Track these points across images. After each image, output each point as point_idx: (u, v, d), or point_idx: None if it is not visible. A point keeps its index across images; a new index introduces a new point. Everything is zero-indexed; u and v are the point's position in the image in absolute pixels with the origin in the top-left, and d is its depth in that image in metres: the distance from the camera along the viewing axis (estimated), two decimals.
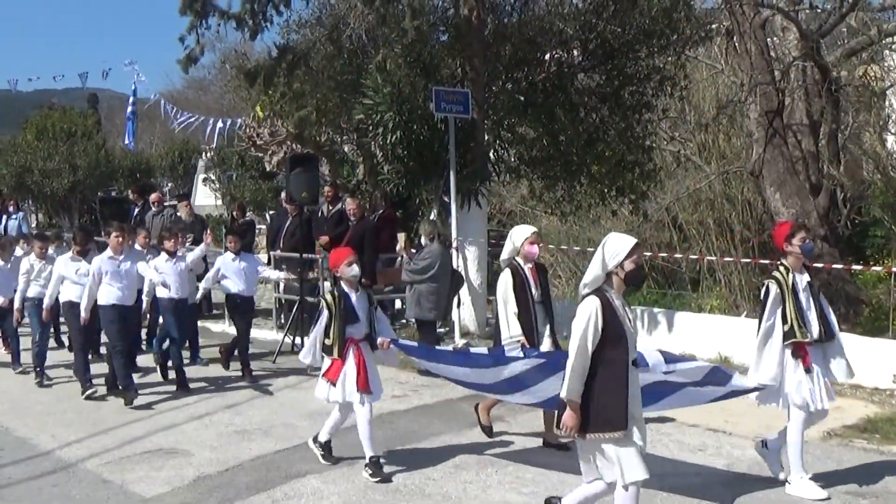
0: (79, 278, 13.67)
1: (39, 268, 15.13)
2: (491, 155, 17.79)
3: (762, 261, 18.33)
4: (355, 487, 9.55)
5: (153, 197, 22.33)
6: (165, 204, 22.30)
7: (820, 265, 15.22)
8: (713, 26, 18.84)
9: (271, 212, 22.62)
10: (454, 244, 16.70)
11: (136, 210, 22.89)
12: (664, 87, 17.78)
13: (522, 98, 17.43)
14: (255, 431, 11.66)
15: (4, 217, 26.94)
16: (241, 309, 14.77)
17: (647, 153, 18.23)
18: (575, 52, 17.93)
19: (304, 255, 17.32)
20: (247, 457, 10.72)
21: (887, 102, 22.22)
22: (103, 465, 10.46)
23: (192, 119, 43.09)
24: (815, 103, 18.37)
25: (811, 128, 18.56)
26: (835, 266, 16.14)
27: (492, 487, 9.45)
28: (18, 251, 16.49)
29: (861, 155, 21.56)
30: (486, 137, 17.52)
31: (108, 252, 13.26)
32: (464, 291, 16.66)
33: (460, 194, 16.66)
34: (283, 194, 20.31)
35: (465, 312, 16.97)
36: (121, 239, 13.43)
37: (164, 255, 14.22)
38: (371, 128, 16.62)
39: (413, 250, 15.16)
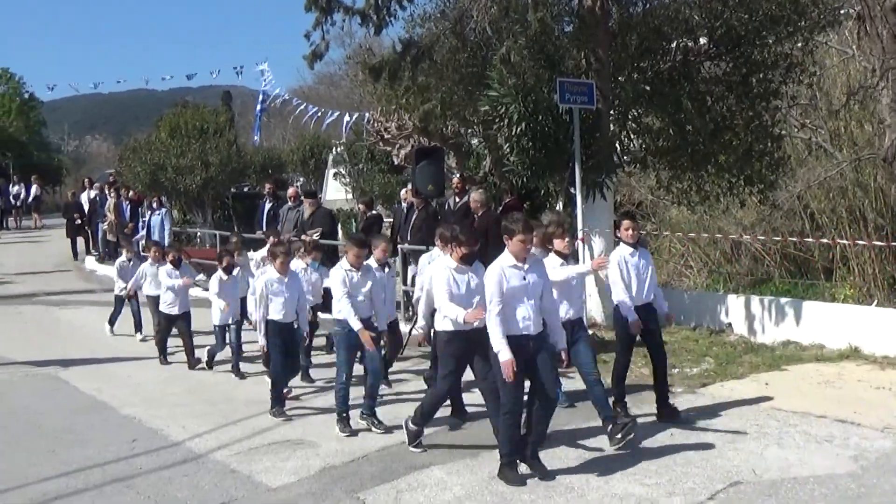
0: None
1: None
2: (616, 146, 17.70)
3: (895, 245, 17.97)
4: (478, 479, 9.67)
5: (290, 192, 22.73)
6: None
7: None
8: (842, 11, 18.45)
9: (395, 206, 22.76)
10: (580, 235, 16.69)
11: (270, 206, 23.32)
12: (792, 74, 17.47)
13: (648, 88, 17.30)
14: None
15: (149, 213, 27.66)
16: None
17: (776, 142, 17.92)
18: (701, 41, 17.72)
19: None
20: (372, 448, 10.90)
21: None
22: (232, 456, 10.76)
23: (320, 112, 43.73)
24: None
25: None
26: None
27: (615, 479, 9.46)
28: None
29: None
30: (612, 128, 17.44)
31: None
32: (590, 282, 16.65)
33: (585, 186, 16.64)
34: (404, 190, 20.41)
35: (591, 304, 16.94)
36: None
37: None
38: (496, 120, 16.67)
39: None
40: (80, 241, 33.50)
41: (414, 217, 18.84)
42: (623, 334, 11.71)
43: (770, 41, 17.06)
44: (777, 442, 10.46)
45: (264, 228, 22.79)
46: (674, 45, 17.51)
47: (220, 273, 15.66)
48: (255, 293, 13.51)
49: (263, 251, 16.34)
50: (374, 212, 21.14)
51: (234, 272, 15.83)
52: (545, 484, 9.45)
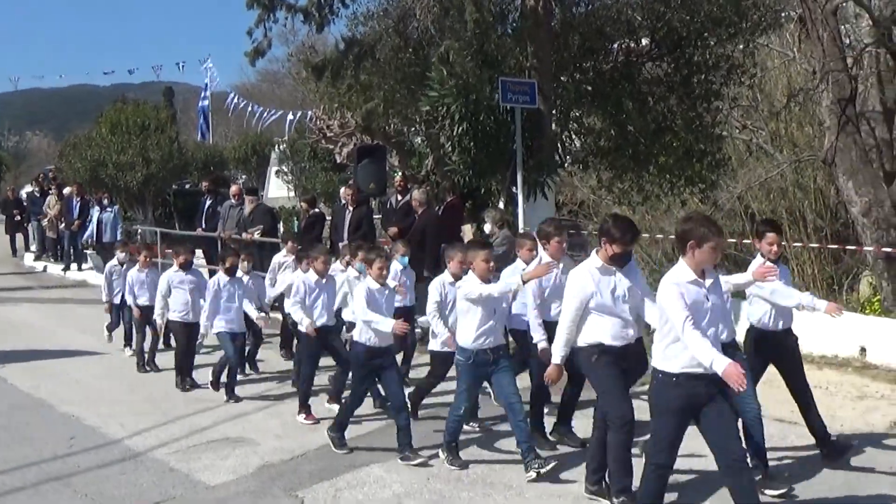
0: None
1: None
2: (558, 145, 17.73)
3: (830, 246, 18.18)
4: (418, 477, 9.64)
5: (233, 190, 22.61)
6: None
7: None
8: (783, 13, 18.62)
9: (336, 204, 22.69)
10: None
11: (209, 202, 23.13)
12: (734, 76, 17.62)
13: (590, 88, 17.36)
14: (321, 421, 11.75)
15: (98, 209, 27.21)
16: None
17: (717, 142, 18.08)
18: (643, 41, 17.82)
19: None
20: (312, 446, 10.86)
21: None
22: (171, 454, 10.66)
23: (264, 111, 43.55)
24: (889, 91, 18.09)
25: (885, 115, 18.27)
26: None
27: (552, 477, 9.45)
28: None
29: None
30: (553, 128, 17.47)
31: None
32: None
33: (527, 185, 16.64)
34: (344, 188, 20.29)
35: None
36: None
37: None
38: (438, 119, 16.64)
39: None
40: (20, 237, 33.17)
41: (349, 216, 18.77)
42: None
43: (712, 43, 17.18)
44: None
45: (203, 226, 22.65)
46: (616, 45, 17.60)
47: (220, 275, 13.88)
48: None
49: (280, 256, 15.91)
50: (316, 210, 21.01)
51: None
52: (484, 482, 9.44)
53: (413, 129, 21.12)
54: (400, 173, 20.75)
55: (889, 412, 11.63)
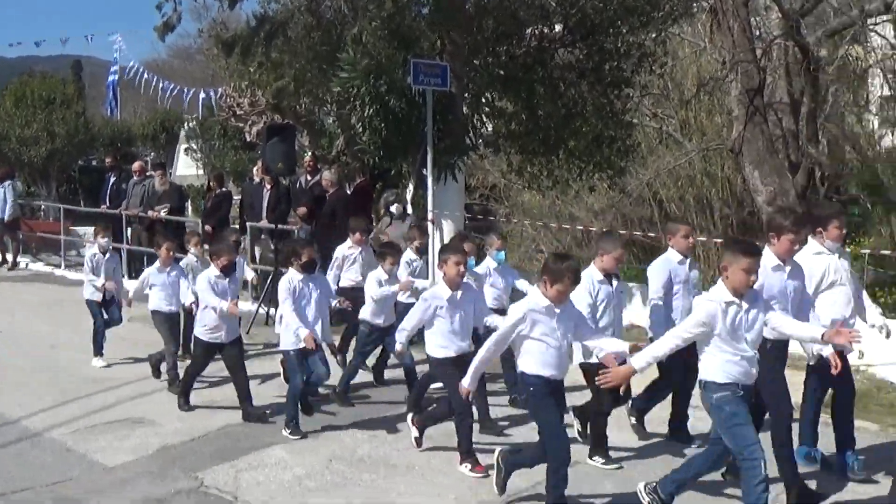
0: None
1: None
2: (469, 129, 17.68)
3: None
4: (319, 459, 9.60)
5: (135, 166, 22.26)
6: (147, 174, 22.13)
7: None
8: (695, 3, 18.77)
9: (246, 182, 22.46)
10: (430, 217, 16.65)
11: (113, 179, 22.78)
12: (645, 64, 17.68)
13: (502, 72, 17.31)
14: (224, 402, 11.64)
15: None
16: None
17: (626, 129, 18.16)
18: (556, 27, 17.81)
19: (280, 226, 17.34)
20: (213, 427, 10.76)
21: (869, 83, 22.21)
22: (69, 434, 10.48)
23: (174, 87, 42.96)
24: (796, 82, 18.35)
25: (791, 107, 18.58)
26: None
27: (456, 458, 9.45)
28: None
29: (840, 134, 21.55)
30: (465, 111, 17.42)
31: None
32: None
33: (437, 167, 16.58)
34: (256, 167, 20.13)
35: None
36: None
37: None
38: (349, 99, 16.51)
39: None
40: None
41: (267, 195, 18.62)
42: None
43: (624, 30, 17.21)
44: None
45: (108, 203, 22.28)
46: (529, 30, 17.56)
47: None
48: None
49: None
50: (223, 189, 20.79)
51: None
52: (386, 464, 9.42)
53: (324, 109, 20.98)
54: (310, 153, 20.62)
55: None
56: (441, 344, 9.51)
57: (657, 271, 10.05)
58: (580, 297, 9.08)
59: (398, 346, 10.18)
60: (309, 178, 19.05)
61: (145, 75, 46.41)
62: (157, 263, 13.29)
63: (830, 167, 20.08)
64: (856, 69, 21.48)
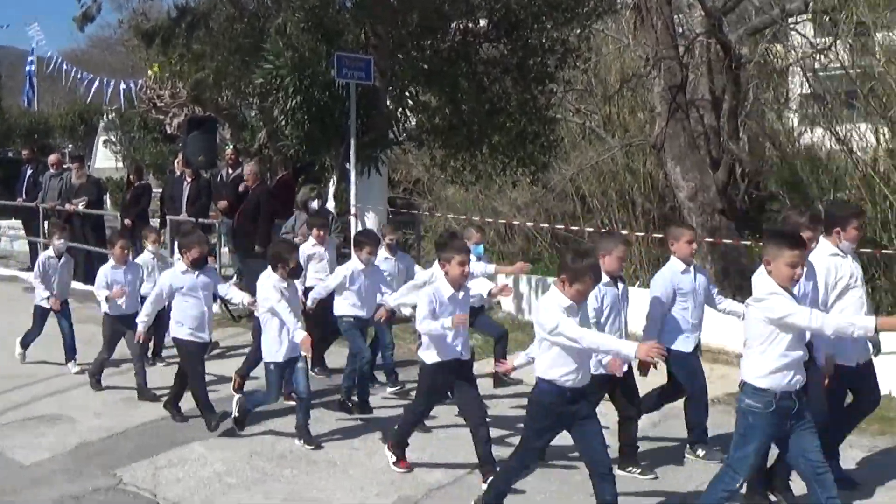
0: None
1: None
2: (393, 122, 17.63)
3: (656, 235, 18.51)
4: (239, 455, 9.50)
5: (52, 159, 21.83)
6: (65, 166, 21.77)
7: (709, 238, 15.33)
8: (619, 0, 18.87)
9: (167, 174, 22.21)
10: (353, 210, 16.58)
11: (30, 171, 22.38)
12: (569, 60, 17.73)
13: (426, 66, 17.27)
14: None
15: None
16: None
17: (550, 125, 18.20)
18: (481, 22, 17.81)
19: (201, 220, 17.14)
20: (132, 424, 10.60)
21: (789, 80, 22.49)
22: None
23: (94, 79, 42.36)
24: (718, 80, 18.54)
25: (713, 103, 18.78)
26: (738, 241, 16.33)
27: (377, 454, 9.40)
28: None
29: (760, 131, 21.82)
30: (389, 105, 17.36)
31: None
32: None
33: (360, 161, 16.50)
34: (177, 160, 19.89)
35: None
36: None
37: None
38: (272, 92, 16.37)
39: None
40: None
41: (188, 188, 18.40)
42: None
43: (548, 26, 17.25)
44: None
45: (24, 196, 21.90)
46: (454, 25, 17.53)
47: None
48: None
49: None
50: (143, 182, 20.51)
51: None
52: (308, 459, 9.34)
53: (246, 101, 20.79)
54: (231, 146, 20.42)
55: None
56: (436, 348, 8.86)
57: (658, 284, 9.47)
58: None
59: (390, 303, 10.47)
60: (230, 171, 18.85)
61: (64, 66, 45.69)
62: (110, 262, 12.40)
63: (751, 163, 20.31)
64: (776, 67, 21.73)
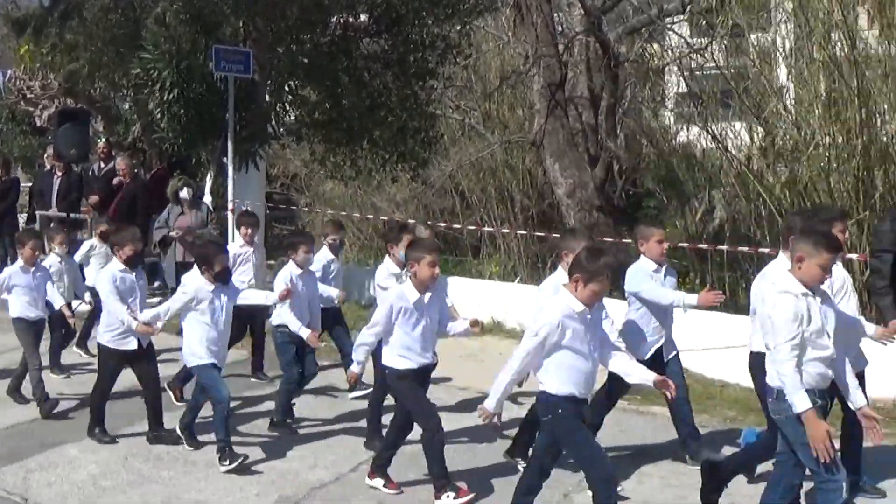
0: None
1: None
2: (272, 117, 17.43)
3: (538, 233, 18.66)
4: (116, 456, 9.25)
5: None
6: None
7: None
8: None
9: (37, 168, 21.65)
10: (230, 206, 16.34)
11: None
12: (449, 56, 17.72)
13: (306, 60, 17.10)
14: (9, 399, 11.10)
15: None
16: None
17: (430, 120, 18.17)
18: (361, 17, 17.70)
19: (72, 216, 16.74)
20: (1, 426, 10.23)
21: (666, 79, 22.80)
22: None
23: None
24: (597, 78, 18.71)
25: (591, 101, 18.96)
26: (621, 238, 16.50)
27: (255, 452, 9.27)
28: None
29: (637, 129, 22.11)
30: (268, 99, 17.16)
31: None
32: None
33: (238, 156, 16.27)
34: (48, 154, 19.41)
35: None
36: None
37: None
38: (148, 84, 16.03)
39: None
40: None
41: (59, 183, 17.95)
42: None
43: (429, 22, 17.21)
44: None
45: None
46: (334, 19, 17.39)
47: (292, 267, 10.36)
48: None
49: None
50: (11, 175, 19.94)
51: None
52: (186, 460, 9.14)
53: (120, 93, 20.37)
54: (104, 139, 19.99)
55: None
56: (401, 354, 8.27)
57: (634, 277, 8.88)
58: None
59: (355, 368, 8.65)
60: (102, 165, 18.46)
61: None
62: (19, 262, 11.37)
63: (628, 161, 20.56)
64: (653, 66, 22.01)
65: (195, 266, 9.60)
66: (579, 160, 17.75)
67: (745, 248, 14.69)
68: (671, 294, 8.71)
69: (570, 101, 18.57)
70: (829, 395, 6.68)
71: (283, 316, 10.07)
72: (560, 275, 8.40)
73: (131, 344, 9.66)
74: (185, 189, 15.00)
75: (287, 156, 24.75)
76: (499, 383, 7.11)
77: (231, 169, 16.24)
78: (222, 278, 9.43)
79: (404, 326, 8.21)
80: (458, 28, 17.75)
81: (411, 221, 17.27)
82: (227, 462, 8.86)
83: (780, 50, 17.86)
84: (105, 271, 9.95)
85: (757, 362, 7.58)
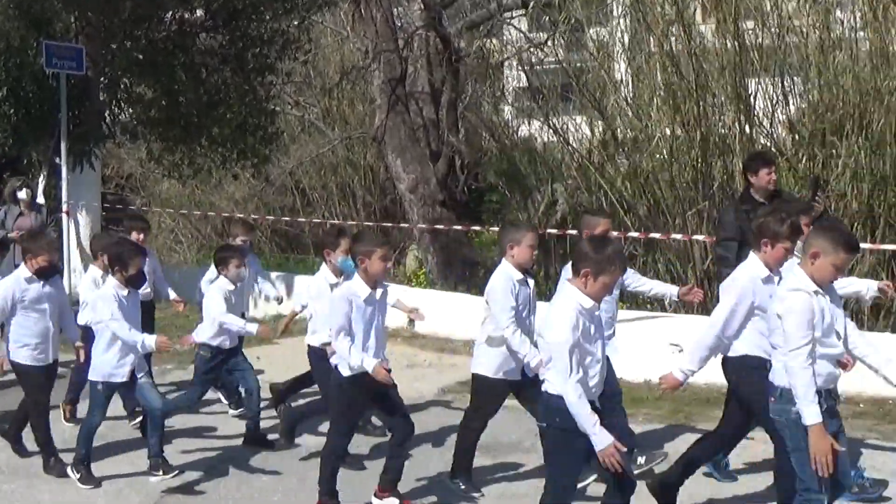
0: None
1: None
2: (106, 115, 17.02)
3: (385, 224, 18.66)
4: None
5: None
6: None
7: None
8: None
9: None
10: (65, 208, 15.90)
11: None
12: (288, 51, 17.56)
13: (141, 56, 16.74)
14: None
15: None
16: None
17: (270, 117, 17.98)
18: (198, 12, 17.43)
19: None
20: None
21: (506, 74, 22.98)
22: None
23: None
24: (437, 73, 18.76)
25: (432, 96, 19.00)
26: (455, 228, 16.61)
27: (110, 464, 8.97)
28: None
29: (479, 123, 22.24)
30: (102, 96, 16.75)
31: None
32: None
33: (72, 155, 15.84)
34: None
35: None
36: None
37: None
38: None
39: None
40: None
41: None
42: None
43: (267, 17, 17.08)
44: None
45: None
46: (169, 14, 17.08)
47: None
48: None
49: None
50: None
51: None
52: (27, 472, 8.78)
53: None
54: None
55: (436, 379, 12.03)
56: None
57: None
58: (502, 303, 7.84)
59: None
60: None
61: None
62: None
63: (470, 155, 20.65)
64: (493, 61, 22.16)
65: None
66: (421, 155, 17.80)
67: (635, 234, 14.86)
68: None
69: (411, 96, 18.59)
70: (835, 395, 6.32)
71: (206, 331, 9.61)
72: (506, 267, 8.01)
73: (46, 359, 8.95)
74: (24, 190, 14.41)
75: (122, 155, 24.23)
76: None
77: (65, 169, 15.82)
78: (135, 283, 8.70)
79: (355, 327, 7.66)
80: (297, 23, 17.62)
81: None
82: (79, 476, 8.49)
83: (619, 44, 18.17)
84: (8, 280, 9.02)
85: (737, 367, 7.28)
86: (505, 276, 7.93)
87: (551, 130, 18.50)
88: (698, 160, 14.94)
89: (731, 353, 7.22)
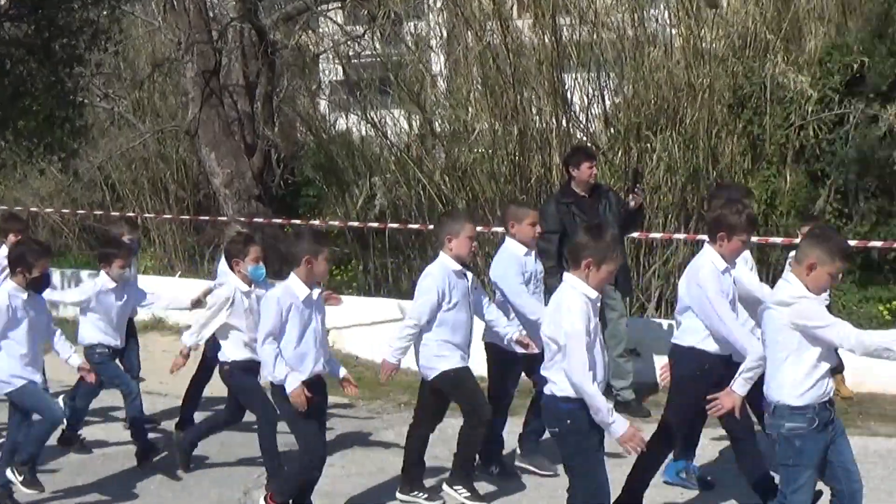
0: None
1: None
2: None
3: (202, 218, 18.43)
4: None
5: None
6: None
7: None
8: None
9: None
10: None
11: None
12: (98, 42, 17.10)
13: None
14: None
15: None
16: None
17: (78, 109, 17.48)
18: (1, 1, 16.83)
19: None
20: None
21: (320, 68, 22.87)
22: None
23: None
24: (252, 65, 18.57)
25: (247, 89, 18.82)
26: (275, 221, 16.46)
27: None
28: None
29: (295, 117, 22.11)
30: None
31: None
32: None
33: None
34: None
35: None
36: None
37: None
38: None
39: None
40: None
41: None
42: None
43: (76, 6, 16.61)
44: None
45: None
46: None
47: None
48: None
49: None
50: None
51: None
52: None
53: None
54: None
55: None
56: (288, 363, 7.39)
57: (502, 266, 8.39)
58: (426, 298, 7.80)
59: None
60: None
61: None
62: None
63: (286, 149, 20.56)
64: (309, 54, 22.01)
65: None
66: (236, 149, 17.64)
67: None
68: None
69: (226, 88, 18.39)
70: (831, 405, 6.25)
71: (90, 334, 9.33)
72: (444, 259, 7.96)
73: None
74: None
75: None
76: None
77: None
78: (36, 286, 8.17)
79: (293, 330, 7.43)
80: (107, 13, 17.19)
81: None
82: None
83: (437, 38, 18.28)
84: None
85: (682, 354, 7.36)
86: (442, 269, 7.89)
87: (369, 124, 18.52)
88: (516, 154, 15.13)
89: (678, 341, 7.38)
